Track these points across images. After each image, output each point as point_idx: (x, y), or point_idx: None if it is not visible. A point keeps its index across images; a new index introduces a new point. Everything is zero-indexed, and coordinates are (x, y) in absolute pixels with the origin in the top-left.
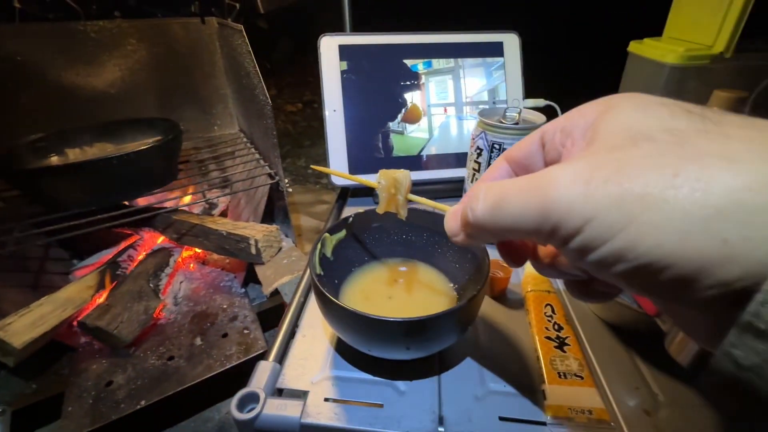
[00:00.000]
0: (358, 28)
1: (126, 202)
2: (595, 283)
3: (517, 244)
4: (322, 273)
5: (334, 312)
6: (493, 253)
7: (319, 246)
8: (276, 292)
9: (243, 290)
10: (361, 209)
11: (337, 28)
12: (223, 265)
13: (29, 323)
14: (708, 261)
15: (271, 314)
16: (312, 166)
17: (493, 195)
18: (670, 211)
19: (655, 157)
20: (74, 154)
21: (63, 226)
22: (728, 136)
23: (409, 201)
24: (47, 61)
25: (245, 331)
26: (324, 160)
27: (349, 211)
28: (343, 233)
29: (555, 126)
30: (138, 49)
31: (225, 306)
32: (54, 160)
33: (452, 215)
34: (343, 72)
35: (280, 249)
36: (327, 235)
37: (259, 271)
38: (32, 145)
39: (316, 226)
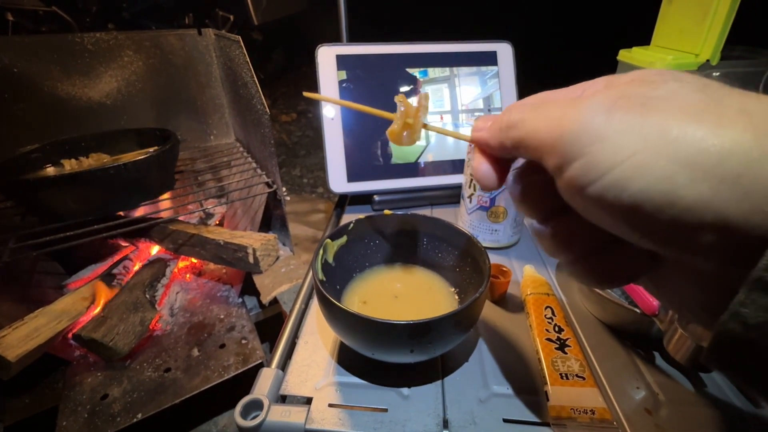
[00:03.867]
0: (354, 38)
1: (122, 213)
2: (606, 256)
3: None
4: (324, 279)
5: (338, 316)
6: (492, 258)
7: (321, 252)
8: (274, 302)
9: (240, 300)
10: (361, 215)
11: (331, 38)
12: (219, 276)
13: (23, 336)
14: (719, 201)
15: (268, 324)
16: (305, 93)
17: (527, 107)
18: (686, 145)
19: (680, 96)
20: (70, 165)
21: (58, 236)
22: (743, 94)
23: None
24: (44, 73)
25: (243, 341)
26: (320, 169)
27: (347, 219)
28: (344, 239)
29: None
30: (134, 61)
31: (222, 316)
32: (50, 170)
33: (486, 117)
34: (340, 81)
35: (277, 258)
36: (328, 240)
37: (257, 280)
38: (28, 155)
39: (312, 235)
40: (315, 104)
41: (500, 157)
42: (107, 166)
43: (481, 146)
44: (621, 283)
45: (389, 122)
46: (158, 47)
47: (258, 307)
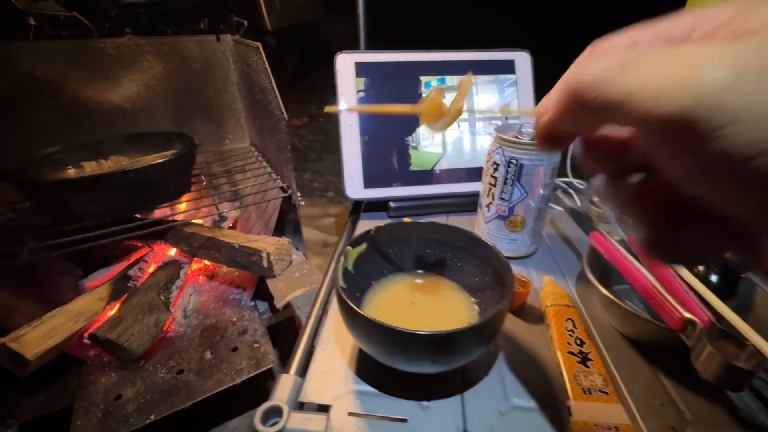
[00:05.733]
0: (371, 46)
1: (138, 215)
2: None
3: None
4: (345, 286)
5: (360, 325)
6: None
7: (342, 259)
8: (286, 306)
9: (252, 303)
10: (380, 223)
11: (343, 44)
12: (232, 279)
13: (41, 335)
14: None
15: (280, 328)
16: (326, 109)
17: (620, 55)
18: None
19: None
20: (90, 167)
21: (77, 237)
22: None
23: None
24: (67, 77)
25: (255, 345)
26: (330, 173)
27: (363, 225)
28: (363, 246)
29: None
30: (154, 66)
31: (234, 319)
32: (71, 172)
33: (548, 95)
34: (358, 89)
35: (290, 262)
36: (349, 248)
37: (271, 284)
38: (49, 157)
39: (322, 239)
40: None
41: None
42: (127, 169)
43: (552, 134)
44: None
45: (406, 126)
46: (177, 52)
47: (269, 311)
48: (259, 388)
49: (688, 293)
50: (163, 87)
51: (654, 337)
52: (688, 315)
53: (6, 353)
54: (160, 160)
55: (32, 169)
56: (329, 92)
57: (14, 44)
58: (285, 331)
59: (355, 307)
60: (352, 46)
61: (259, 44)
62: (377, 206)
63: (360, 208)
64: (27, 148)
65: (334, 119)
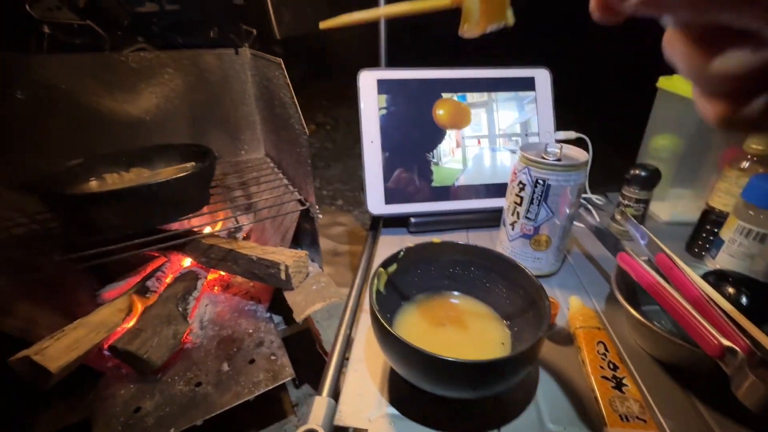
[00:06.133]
0: (391, 63)
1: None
2: None
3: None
4: (379, 308)
5: (398, 349)
6: None
7: (375, 281)
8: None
9: (268, 315)
10: (404, 238)
11: (350, 55)
12: (247, 289)
13: (64, 347)
14: None
15: (295, 340)
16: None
17: None
18: None
19: None
20: (112, 179)
21: (101, 250)
22: None
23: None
24: (89, 89)
25: (272, 357)
26: (338, 181)
27: (383, 241)
28: (394, 267)
29: None
30: (174, 78)
31: (251, 331)
32: (93, 184)
33: None
34: (381, 105)
35: (307, 274)
36: (381, 269)
37: (289, 297)
38: (73, 169)
39: (332, 248)
40: (337, 116)
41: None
42: (150, 183)
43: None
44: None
45: (428, 142)
46: (196, 65)
47: (284, 322)
48: (275, 400)
49: (721, 317)
50: (182, 99)
51: (689, 363)
52: (726, 342)
53: (28, 366)
54: (183, 174)
55: (55, 181)
56: (335, 101)
57: (38, 57)
58: (301, 343)
59: (393, 332)
60: (361, 56)
61: (281, 60)
62: (397, 221)
63: (379, 222)
64: (49, 160)
65: (342, 127)
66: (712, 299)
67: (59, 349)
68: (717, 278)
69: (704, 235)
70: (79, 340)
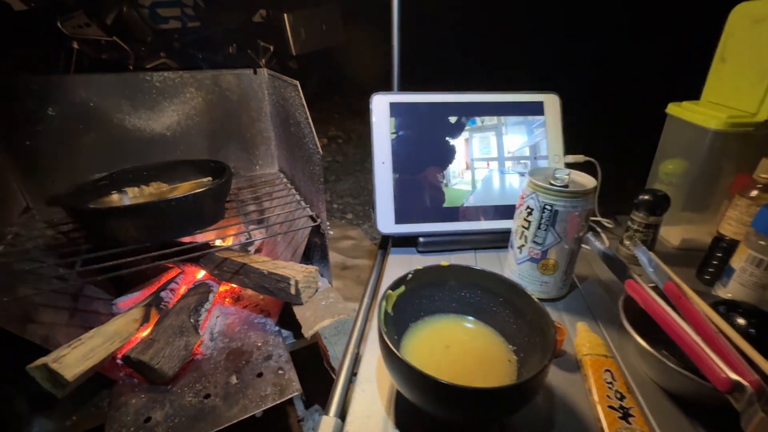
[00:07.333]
0: (403, 87)
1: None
2: None
3: None
4: (387, 330)
5: (403, 373)
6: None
7: (384, 303)
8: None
9: (277, 328)
10: (413, 259)
11: (362, 71)
12: (257, 302)
13: (80, 356)
14: None
15: (303, 355)
16: None
17: None
18: None
19: None
20: (133, 193)
21: (121, 262)
22: None
23: None
24: (115, 107)
25: (280, 372)
26: (349, 195)
27: (392, 260)
28: (402, 289)
29: None
30: (195, 97)
31: (259, 344)
32: (115, 197)
33: None
34: (392, 128)
35: (316, 290)
36: (390, 291)
37: (298, 312)
38: (97, 182)
39: (341, 261)
40: (349, 130)
41: None
42: (169, 198)
43: None
44: None
45: (438, 164)
46: (217, 84)
47: (292, 336)
48: (281, 415)
49: (731, 350)
50: (201, 116)
51: (698, 396)
52: (735, 377)
53: (46, 373)
54: (200, 190)
55: (80, 195)
56: (348, 114)
57: (70, 76)
58: (308, 358)
59: (401, 356)
60: (373, 71)
61: (297, 82)
62: (406, 240)
63: (389, 241)
64: (77, 174)
65: (353, 141)
66: (721, 331)
67: (76, 358)
68: (727, 308)
69: (715, 262)
70: (95, 349)
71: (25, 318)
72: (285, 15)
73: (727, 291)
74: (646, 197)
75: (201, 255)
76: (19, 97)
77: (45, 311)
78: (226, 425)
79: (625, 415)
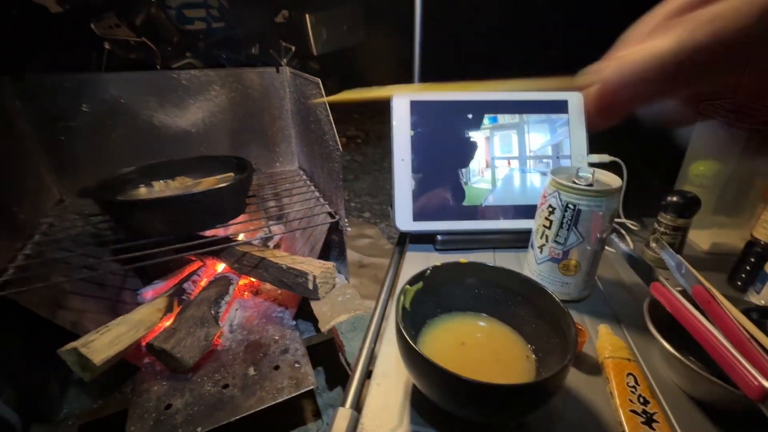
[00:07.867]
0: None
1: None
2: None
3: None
4: (404, 324)
5: (420, 367)
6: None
7: (402, 298)
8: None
9: (294, 323)
10: (431, 256)
11: (382, 69)
12: (275, 296)
13: (108, 342)
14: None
15: (319, 349)
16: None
17: (615, 61)
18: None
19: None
20: (159, 186)
21: (147, 253)
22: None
23: None
24: (143, 104)
25: (296, 365)
26: (367, 194)
27: (409, 257)
28: (420, 285)
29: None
30: (219, 94)
31: (277, 337)
32: (142, 190)
33: (587, 103)
34: (413, 125)
35: (334, 285)
36: (408, 287)
37: (315, 307)
38: (126, 176)
39: (358, 259)
40: (368, 130)
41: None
42: (194, 192)
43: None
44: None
45: (458, 162)
46: (240, 82)
47: (308, 330)
48: (297, 407)
49: (763, 357)
50: (225, 113)
51: (726, 403)
52: (767, 384)
53: (76, 357)
54: (223, 185)
55: (109, 188)
56: (367, 114)
57: (102, 74)
58: (324, 353)
59: (418, 349)
60: (393, 71)
61: (319, 80)
62: (423, 238)
63: (406, 239)
64: (108, 167)
65: (372, 141)
66: (754, 337)
67: (104, 344)
68: (760, 315)
69: (748, 267)
70: (120, 336)
71: (56, 304)
72: (306, 15)
73: (761, 297)
74: (675, 199)
75: (222, 248)
76: (53, 95)
77: (74, 298)
78: (243, 415)
79: (649, 421)
